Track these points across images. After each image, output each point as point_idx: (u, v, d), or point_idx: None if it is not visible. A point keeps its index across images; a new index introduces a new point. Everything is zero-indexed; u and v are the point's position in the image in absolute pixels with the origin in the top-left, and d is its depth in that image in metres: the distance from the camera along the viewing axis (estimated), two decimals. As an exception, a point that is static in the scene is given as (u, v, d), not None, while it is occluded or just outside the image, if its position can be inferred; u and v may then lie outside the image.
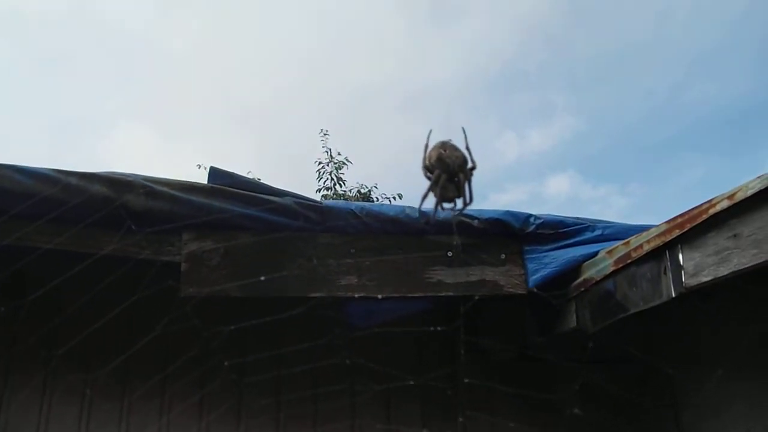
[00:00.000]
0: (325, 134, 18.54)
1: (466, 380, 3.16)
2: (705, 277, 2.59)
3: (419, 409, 4.02)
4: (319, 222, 3.18)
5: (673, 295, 2.76)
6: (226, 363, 3.22)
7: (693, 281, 2.65)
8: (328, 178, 18.32)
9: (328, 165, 18.54)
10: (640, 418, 4.25)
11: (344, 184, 18.40)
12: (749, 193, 2.37)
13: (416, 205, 2.73)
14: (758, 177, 2.35)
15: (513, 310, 3.85)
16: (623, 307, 3.08)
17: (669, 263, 2.79)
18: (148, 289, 2.77)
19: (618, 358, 4.28)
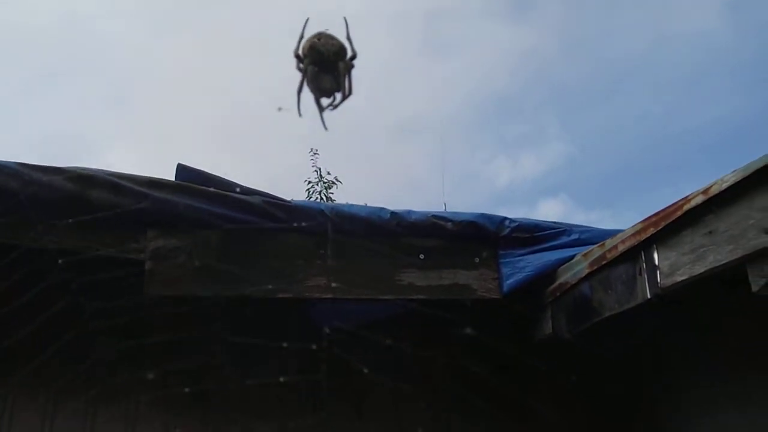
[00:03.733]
0: (315, 154, 18.49)
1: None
2: (680, 276, 2.51)
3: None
4: (287, 221, 3.09)
5: (649, 296, 2.68)
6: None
7: (668, 281, 2.57)
8: (317, 198, 18.26)
9: (317, 184, 18.51)
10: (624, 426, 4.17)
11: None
12: (724, 186, 2.30)
13: (387, 206, 2.67)
14: (733, 171, 2.28)
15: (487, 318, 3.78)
16: (598, 311, 3.00)
17: (644, 264, 2.71)
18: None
19: (602, 365, 4.22)
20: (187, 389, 3.40)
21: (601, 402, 4.13)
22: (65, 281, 2.80)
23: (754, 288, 2.26)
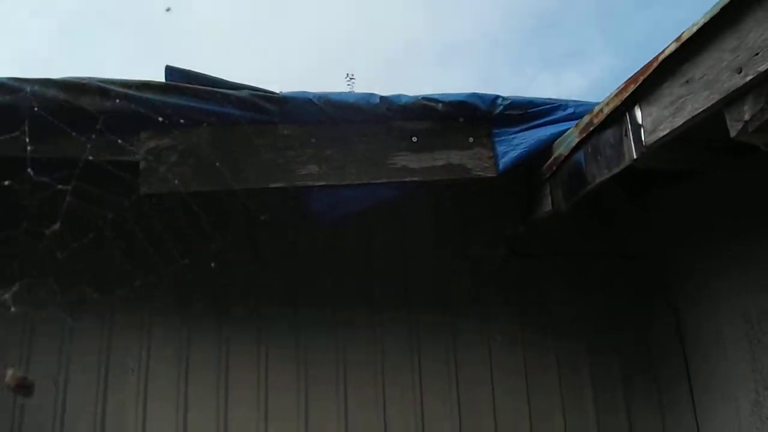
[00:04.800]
0: (351, 79, 18.20)
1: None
2: (662, 131, 2.49)
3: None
4: (277, 113, 3.10)
5: (635, 156, 2.66)
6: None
7: (652, 138, 2.55)
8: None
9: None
10: (638, 312, 4.18)
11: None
12: (695, 29, 2.25)
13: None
14: (704, 14, 2.23)
15: (490, 202, 3.79)
16: (591, 178, 2.99)
17: (629, 125, 2.69)
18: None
19: (615, 253, 4.22)
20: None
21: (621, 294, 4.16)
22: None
23: (732, 133, 2.23)
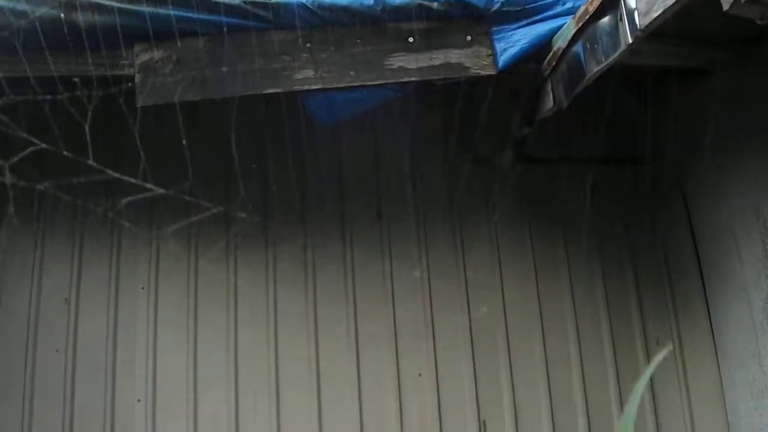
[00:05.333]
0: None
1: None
2: (656, 12, 2.43)
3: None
4: (270, 20, 3.07)
5: (630, 40, 2.60)
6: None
7: (646, 20, 2.49)
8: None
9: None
10: (650, 215, 4.16)
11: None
12: None
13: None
14: None
15: (495, 105, 3.75)
16: (589, 70, 2.94)
17: (623, 9, 2.62)
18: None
19: (626, 157, 4.19)
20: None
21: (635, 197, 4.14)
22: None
23: (725, 7, 2.18)
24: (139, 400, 3.61)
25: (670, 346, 3.95)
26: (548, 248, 4.03)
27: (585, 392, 3.82)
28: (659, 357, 3.46)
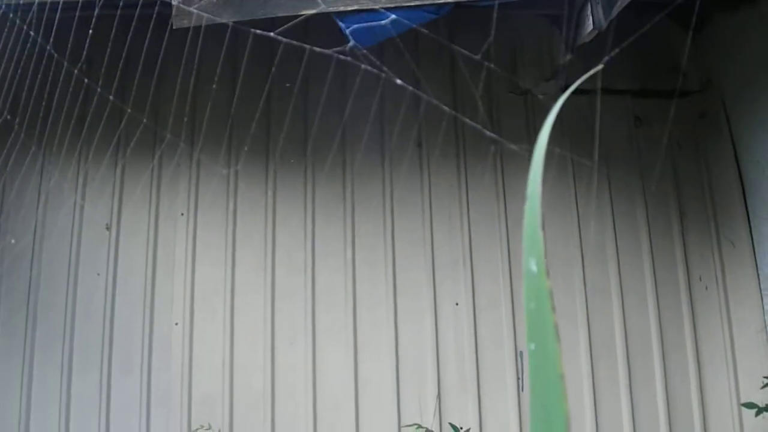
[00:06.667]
0: None
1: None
2: None
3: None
4: (307, -59, 3.06)
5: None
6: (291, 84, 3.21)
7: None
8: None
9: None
10: (695, 147, 4.09)
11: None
12: None
13: None
14: None
15: (538, 34, 3.70)
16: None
17: None
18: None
19: (670, 88, 4.12)
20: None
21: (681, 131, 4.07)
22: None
23: None
24: (176, 324, 3.67)
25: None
26: (589, 180, 3.98)
27: (624, 322, 3.79)
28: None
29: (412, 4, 3.07)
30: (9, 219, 3.72)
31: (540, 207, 0.63)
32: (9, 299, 3.67)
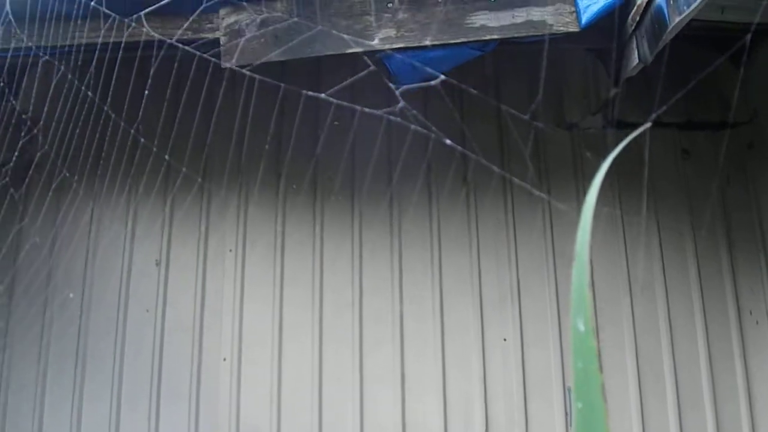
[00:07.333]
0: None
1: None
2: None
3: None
4: (352, -20, 3.12)
5: (712, -14, 2.55)
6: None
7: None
8: None
9: None
10: (745, 178, 4.05)
11: None
12: None
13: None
14: None
15: (583, 68, 3.71)
16: (671, 21, 2.87)
17: (706, -45, 2.57)
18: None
19: (715, 120, 4.09)
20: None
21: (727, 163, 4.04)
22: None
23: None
24: (224, 359, 3.71)
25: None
26: (638, 215, 3.96)
27: (674, 360, 3.74)
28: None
29: (458, 41, 3.11)
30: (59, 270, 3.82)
31: (588, 267, 0.65)
32: (59, 343, 3.76)
